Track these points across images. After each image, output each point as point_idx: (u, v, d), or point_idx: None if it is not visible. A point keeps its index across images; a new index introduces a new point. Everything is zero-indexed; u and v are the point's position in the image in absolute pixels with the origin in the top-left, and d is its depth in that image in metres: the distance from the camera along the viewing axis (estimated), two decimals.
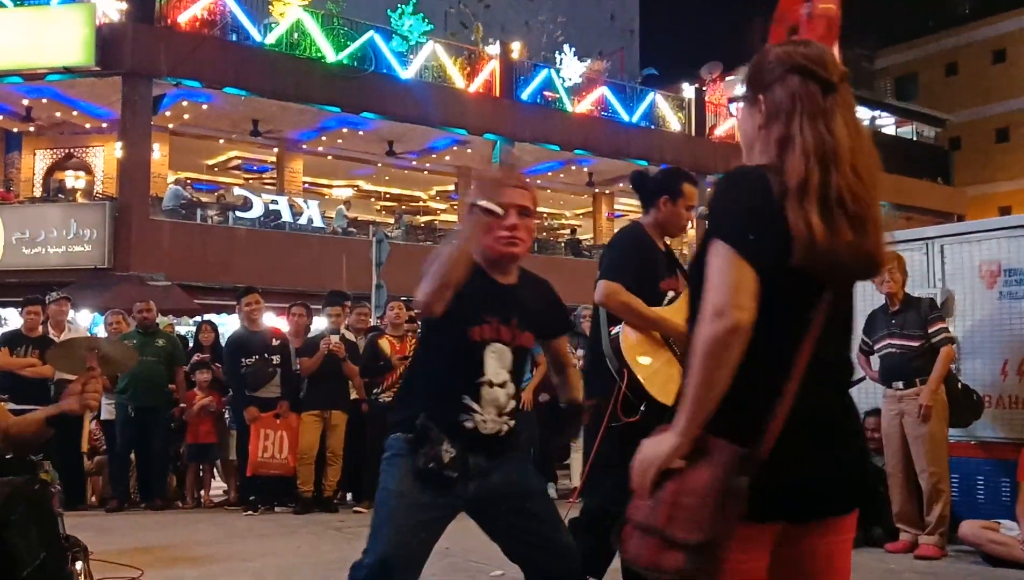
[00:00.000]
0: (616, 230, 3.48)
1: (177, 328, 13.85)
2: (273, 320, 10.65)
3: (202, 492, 8.61)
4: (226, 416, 8.49)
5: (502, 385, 2.77)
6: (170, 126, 18.32)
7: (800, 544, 1.86)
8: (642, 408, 3.54)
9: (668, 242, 4.09)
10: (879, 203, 1.81)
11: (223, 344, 9.05)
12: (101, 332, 13.08)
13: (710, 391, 1.70)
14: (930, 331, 5.72)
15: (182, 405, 8.48)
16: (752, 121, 1.88)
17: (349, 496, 8.45)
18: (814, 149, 1.76)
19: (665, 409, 3.66)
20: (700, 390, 1.70)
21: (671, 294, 3.85)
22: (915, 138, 30.17)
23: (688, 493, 1.70)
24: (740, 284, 1.71)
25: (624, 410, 3.56)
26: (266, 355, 7.94)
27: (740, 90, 1.94)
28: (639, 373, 3.56)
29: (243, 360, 7.91)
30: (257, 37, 17.30)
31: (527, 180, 2.93)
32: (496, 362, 2.77)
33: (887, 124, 29.62)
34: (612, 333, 3.71)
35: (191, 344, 9.63)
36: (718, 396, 1.70)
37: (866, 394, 6.19)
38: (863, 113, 28.47)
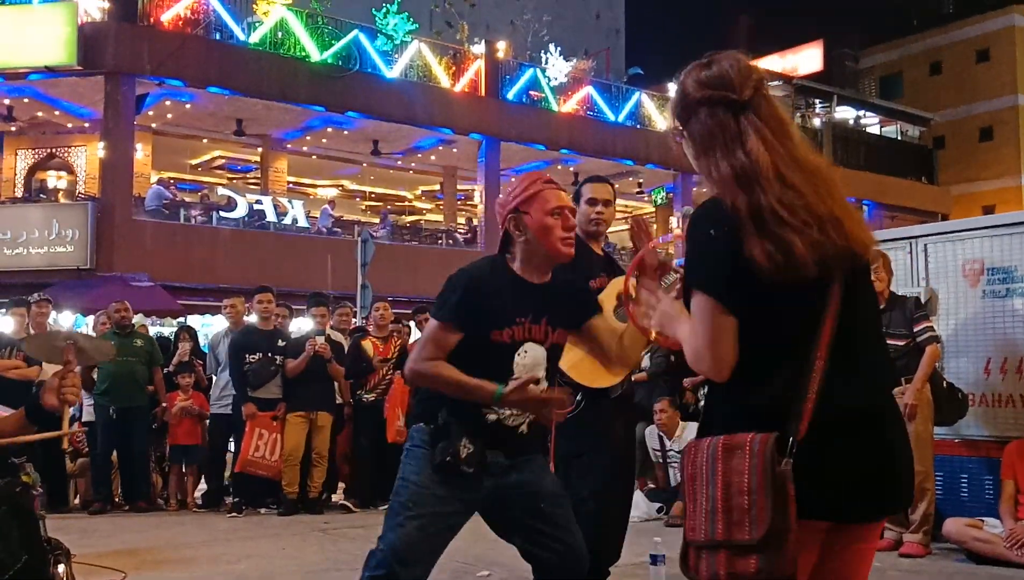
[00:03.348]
0: None
1: (161, 329, 13.79)
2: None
3: (188, 494, 8.55)
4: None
5: (536, 383, 2.80)
6: (153, 126, 18.23)
7: (839, 547, 1.82)
8: (578, 398, 3.67)
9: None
10: (834, 198, 1.79)
11: (204, 347, 9.02)
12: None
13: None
14: (915, 330, 5.74)
15: (163, 405, 8.44)
16: (689, 152, 1.92)
17: (334, 497, 8.44)
18: (733, 177, 1.77)
19: (599, 393, 3.79)
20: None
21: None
22: (899, 137, 30.33)
23: (736, 494, 1.68)
24: (720, 335, 1.76)
25: None
26: (270, 354, 7.90)
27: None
28: (563, 365, 3.61)
29: (247, 357, 7.88)
30: (241, 36, 17.22)
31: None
32: (530, 360, 2.84)
33: (871, 123, 29.77)
34: None
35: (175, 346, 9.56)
36: None
37: None
38: (848, 113, 28.63)
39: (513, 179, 2.97)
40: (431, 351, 2.80)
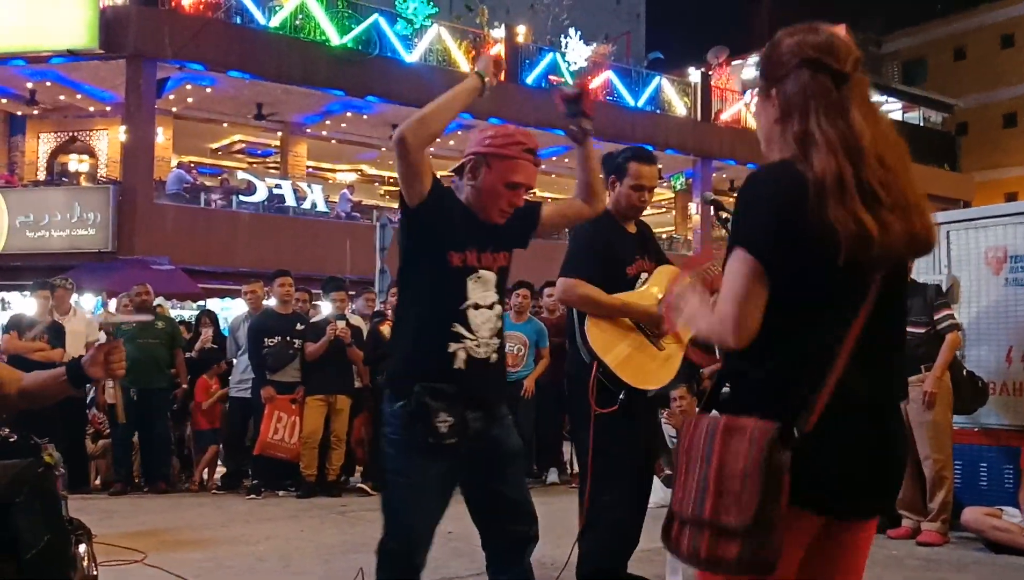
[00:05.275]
0: None
1: (181, 312, 13.88)
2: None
3: (206, 475, 8.62)
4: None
5: (490, 306, 2.87)
6: (174, 109, 18.30)
7: (833, 539, 1.85)
8: (621, 397, 3.57)
9: (644, 222, 4.07)
10: (914, 186, 1.78)
11: (224, 331, 9.04)
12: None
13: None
14: (936, 318, 5.70)
15: (183, 386, 8.51)
16: (767, 114, 1.86)
17: (351, 480, 8.49)
18: (840, 144, 1.72)
19: (643, 393, 3.67)
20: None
21: (644, 276, 3.82)
22: (922, 123, 29.99)
23: (729, 477, 1.68)
24: (750, 298, 1.73)
25: (601, 401, 3.58)
26: (288, 338, 7.94)
27: (756, 80, 1.94)
28: (610, 362, 3.58)
29: (265, 340, 7.92)
30: (261, 20, 17.25)
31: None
32: (480, 286, 2.87)
33: (894, 109, 29.43)
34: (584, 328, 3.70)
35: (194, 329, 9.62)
36: None
37: None
38: None
39: (501, 128, 3.17)
40: None
